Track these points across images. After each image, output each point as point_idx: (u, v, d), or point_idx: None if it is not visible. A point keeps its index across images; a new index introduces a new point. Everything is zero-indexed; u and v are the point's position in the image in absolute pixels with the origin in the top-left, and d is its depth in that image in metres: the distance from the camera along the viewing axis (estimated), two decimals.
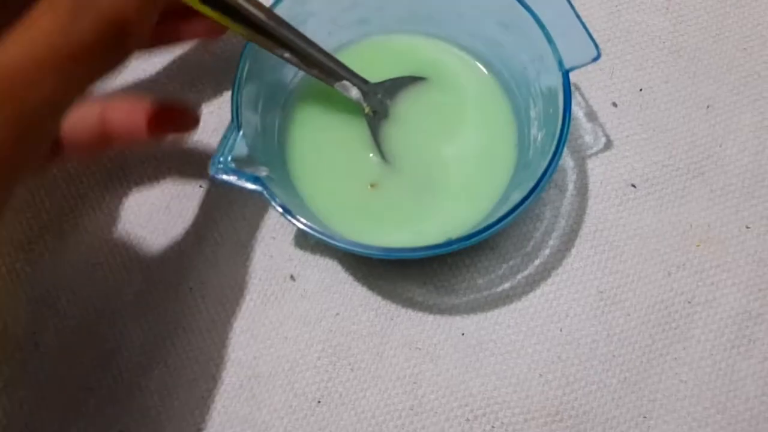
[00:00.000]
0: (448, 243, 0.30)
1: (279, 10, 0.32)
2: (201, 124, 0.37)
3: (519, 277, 0.36)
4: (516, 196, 0.31)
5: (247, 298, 0.37)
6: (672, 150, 0.38)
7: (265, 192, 0.30)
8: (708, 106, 0.38)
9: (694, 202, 0.37)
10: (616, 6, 0.40)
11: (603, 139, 0.38)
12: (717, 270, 0.36)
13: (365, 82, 0.35)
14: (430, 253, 0.30)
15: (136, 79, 0.40)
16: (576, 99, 0.38)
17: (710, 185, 0.37)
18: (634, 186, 0.37)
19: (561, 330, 0.35)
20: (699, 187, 0.37)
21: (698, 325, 0.35)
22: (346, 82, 0.35)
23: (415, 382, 0.35)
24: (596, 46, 0.31)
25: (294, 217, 0.30)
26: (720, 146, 0.37)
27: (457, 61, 0.38)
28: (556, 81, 0.31)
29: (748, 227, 0.36)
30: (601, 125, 0.38)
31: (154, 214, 0.38)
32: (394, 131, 0.36)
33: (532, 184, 0.29)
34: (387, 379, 0.35)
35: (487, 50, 0.37)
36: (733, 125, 0.38)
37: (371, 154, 0.36)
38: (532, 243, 0.36)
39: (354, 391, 0.35)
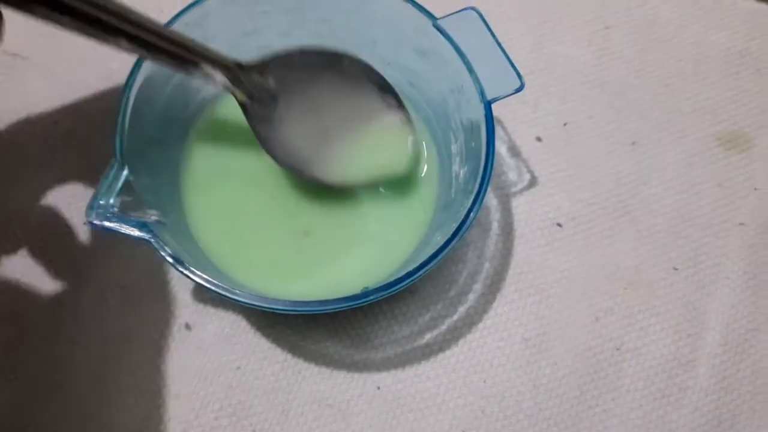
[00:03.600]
0: (365, 294, 0.26)
1: (175, 29, 0.28)
2: (85, 155, 0.33)
3: (440, 324, 0.33)
4: (438, 239, 0.28)
5: (135, 350, 0.32)
6: (598, 188, 0.36)
7: (153, 241, 0.26)
8: (633, 143, 0.37)
9: (620, 243, 0.35)
10: (539, 38, 0.38)
11: (527, 176, 0.36)
12: (645, 314, 0.34)
13: (236, 62, 0.29)
14: (344, 306, 0.26)
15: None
16: (499, 133, 0.36)
17: (637, 225, 0.35)
18: (559, 225, 0.35)
19: (485, 381, 0.33)
20: (626, 227, 0.35)
21: (628, 374, 0.33)
22: (206, 67, 0.28)
23: None
24: (519, 75, 0.29)
25: (186, 268, 0.26)
26: (645, 184, 0.36)
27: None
28: (478, 113, 0.29)
29: (675, 269, 0.35)
30: (524, 161, 0.36)
31: (29, 254, 0.34)
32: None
33: (455, 225, 0.27)
34: None
35: (404, 80, 0.34)
36: (658, 163, 0.36)
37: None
38: (454, 287, 0.34)
39: None
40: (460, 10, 0.30)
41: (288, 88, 0.32)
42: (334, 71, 0.32)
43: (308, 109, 0.32)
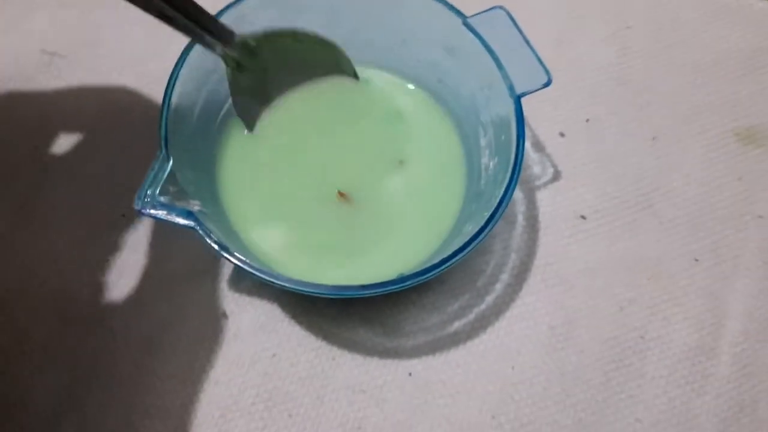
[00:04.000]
0: (402, 279, 0.27)
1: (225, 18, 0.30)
2: (128, 149, 0.34)
3: (469, 313, 0.34)
4: (470, 228, 0.29)
5: (174, 339, 0.33)
6: (620, 181, 0.37)
7: (198, 228, 0.27)
8: (654, 138, 0.38)
9: (643, 235, 0.36)
10: (561, 36, 0.39)
11: (551, 170, 0.37)
12: (668, 304, 0.35)
13: (230, 32, 0.30)
14: (382, 290, 0.27)
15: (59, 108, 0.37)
16: None
17: (659, 218, 0.36)
18: (583, 218, 0.36)
19: (513, 368, 0.33)
20: (648, 220, 0.36)
21: (652, 362, 0.34)
22: (205, 36, 0.29)
23: (359, 428, 0.32)
24: (547, 71, 0.30)
25: (232, 255, 0.27)
26: (666, 178, 0.37)
27: (400, 91, 0.36)
28: (508, 107, 0.30)
29: (696, 260, 0.35)
30: (548, 156, 0.37)
31: (70, 247, 0.35)
32: (338, 164, 0.34)
33: (487, 214, 0.28)
34: (328, 426, 0.32)
35: (433, 77, 0.35)
36: (679, 157, 0.37)
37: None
38: (482, 278, 0.35)
39: None
40: (488, 9, 0.31)
41: (271, 63, 0.33)
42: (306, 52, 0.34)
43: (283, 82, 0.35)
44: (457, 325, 0.34)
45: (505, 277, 0.35)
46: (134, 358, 0.33)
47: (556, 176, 0.37)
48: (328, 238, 0.33)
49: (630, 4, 0.40)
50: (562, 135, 0.37)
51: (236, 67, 0.31)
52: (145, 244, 0.35)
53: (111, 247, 0.35)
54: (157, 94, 0.30)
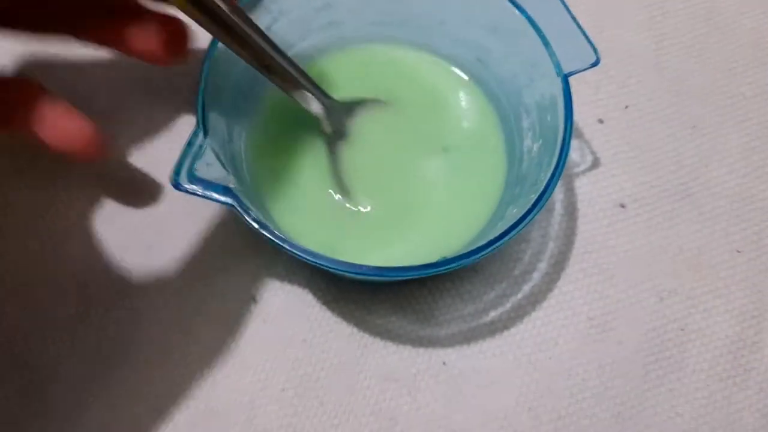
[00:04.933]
0: (445, 261, 0.26)
1: (249, 5, 0.29)
2: (154, 125, 0.33)
3: (505, 302, 0.33)
4: (513, 211, 0.28)
5: (202, 322, 0.32)
6: (660, 170, 0.36)
7: (237, 205, 0.26)
8: (693, 126, 0.37)
9: (683, 225, 0.35)
10: (599, 22, 0.38)
11: (590, 157, 0.36)
12: (709, 296, 0.34)
13: (328, 97, 0.32)
14: (425, 273, 0.26)
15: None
16: None
17: (699, 208, 0.35)
18: (623, 206, 0.35)
19: (550, 359, 0.32)
20: (688, 210, 0.35)
21: (692, 354, 0.33)
22: (307, 95, 0.31)
23: (391, 418, 0.31)
24: (595, 49, 0.29)
25: (272, 233, 0.26)
26: (706, 167, 0.36)
27: (438, 72, 0.35)
28: (554, 87, 0.29)
29: (738, 251, 0.35)
30: (587, 142, 0.36)
31: (95, 225, 0.34)
32: (369, 153, 0.33)
33: (534, 197, 0.27)
34: (360, 414, 0.31)
35: (472, 58, 0.34)
36: (720, 146, 0.36)
37: (332, 184, 0.32)
38: (519, 266, 0.34)
39: (323, 427, 0.31)
40: None
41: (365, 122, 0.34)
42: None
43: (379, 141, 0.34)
44: (492, 314, 0.33)
45: (542, 266, 0.34)
46: (161, 341, 0.32)
47: (595, 163, 0.36)
48: (367, 222, 0.32)
49: None
50: (600, 121, 0.36)
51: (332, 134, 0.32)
52: (174, 226, 0.34)
53: (139, 228, 0.34)
54: (191, 69, 0.29)
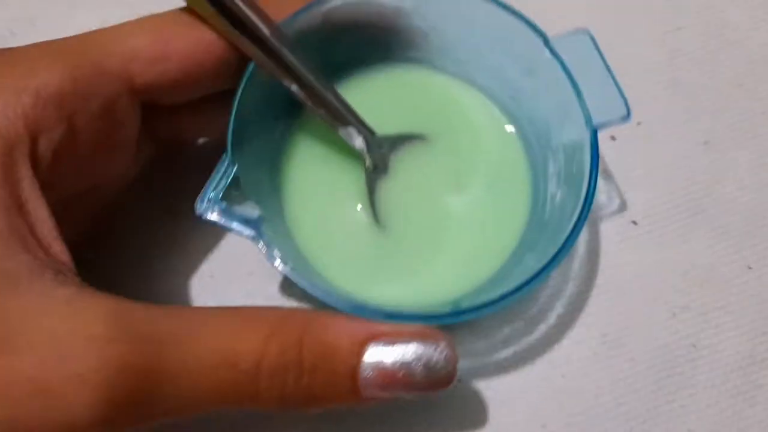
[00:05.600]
0: (457, 312, 0.27)
1: (297, 25, 0.29)
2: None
3: (516, 320, 0.34)
4: (531, 259, 0.29)
5: None
6: (672, 186, 0.36)
7: (260, 241, 0.26)
8: (705, 142, 0.37)
9: (695, 241, 0.35)
10: (611, 38, 0.38)
11: (603, 174, 0.36)
12: (720, 312, 0.34)
13: (372, 133, 0.32)
14: (434, 322, 0.26)
15: None
16: None
17: (711, 224, 0.35)
18: (635, 223, 0.35)
19: (563, 376, 0.33)
20: (700, 226, 0.35)
21: (704, 371, 0.33)
22: (351, 129, 0.31)
23: None
24: (626, 104, 0.29)
25: (291, 270, 0.26)
26: (719, 183, 0.36)
27: (473, 104, 0.34)
28: (582, 138, 0.28)
29: (750, 268, 0.35)
30: (600, 158, 0.36)
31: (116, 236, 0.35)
32: (395, 182, 0.33)
33: (553, 250, 0.26)
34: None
35: (507, 94, 0.34)
36: (731, 162, 0.37)
37: (366, 213, 0.32)
38: None
39: None
40: (573, 32, 0.30)
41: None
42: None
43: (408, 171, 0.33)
44: (507, 330, 0.34)
45: (553, 281, 0.34)
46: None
47: (608, 180, 0.36)
48: (388, 259, 0.32)
49: (681, 5, 0.39)
50: (613, 138, 0.37)
51: (373, 168, 0.32)
52: (192, 243, 0.34)
53: (158, 241, 0.35)
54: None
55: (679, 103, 0.38)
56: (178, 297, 0.34)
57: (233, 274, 0.34)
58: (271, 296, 0.34)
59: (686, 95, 0.38)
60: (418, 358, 0.25)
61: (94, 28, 0.28)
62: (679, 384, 0.33)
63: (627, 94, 0.38)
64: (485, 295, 0.27)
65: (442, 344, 0.25)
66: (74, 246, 0.26)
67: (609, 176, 0.35)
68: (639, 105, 0.37)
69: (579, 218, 0.27)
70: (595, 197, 0.27)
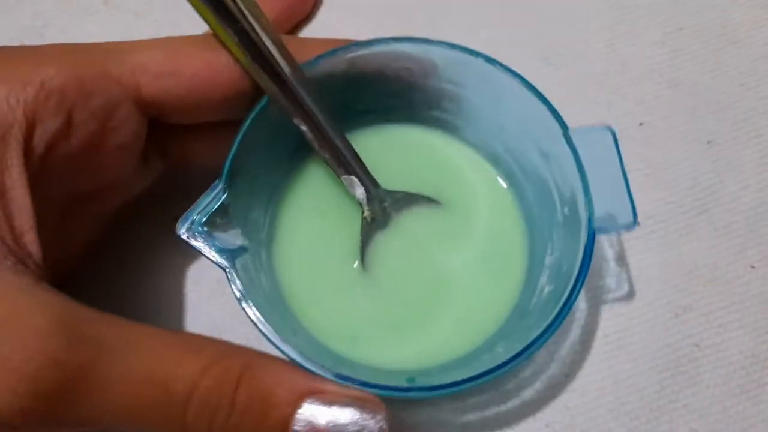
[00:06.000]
0: (408, 389, 0.26)
1: (321, 68, 0.29)
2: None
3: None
4: (501, 347, 0.29)
5: None
6: (675, 186, 0.36)
7: (227, 270, 0.26)
8: (709, 142, 0.37)
9: (698, 241, 0.35)
10: (613, 39, 0.39)
11: (618, 259, 0.36)
12: (724, 311, 0.34)
13: (376, 185, 0.32)
14: (383, 392, 0.26)
15: None
16: None
17: (714, 223, 0.36)
18: (638, 224, 0.35)
19: (566, 376, 0.33)
20: (703, 225, 0.36)
21: (707, 370, 0.34)
22: (354, 178, 0.31)
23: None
24: (635, 214, 0.28)
25: (250, 307, 0.26)
26: (722, 183, 0.36)
27: (484, 177, 0.34)
28: (579, 239, 0.28)
29: (753, 267, 0.35)
30: (617, 241, 0.36)
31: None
32: (392, 237, 0.33)
33: (518, 347, 0.26)
34: None
35: (519, 171, 0.33)
36: (735, 162, 0.37)
37: (356, 262, 0.32)
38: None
39: None
40: (596, 126, 0.29)
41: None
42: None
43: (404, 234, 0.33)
44: None
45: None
46: None
47: (621, 265, 0.36)
48: (367, 307, 0.32)
49: (682, 5, 0.40)
50: None
51: (370, 220, 0.32)
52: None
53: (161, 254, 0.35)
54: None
55: (682, 103, 0.38)
56: (172, 311, 0.34)
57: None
58: None
59: (689, 95, 0.38)
60: (353, 424, 0.25)
61: (103, 41, 0.28)
62: (682, 383, 0.33)
63: (629, 95, 0.38)
64: (441, 376, 0.27)
65: (380, 416, 0.25)
66: (80, 256, 0.26)
67: (624, 262, 0.35)
68: (641, 106, 0.38)
69: (549, 326, 0.26)
70: (573, 307, 0.27)
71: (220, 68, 0.28)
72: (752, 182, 0.36)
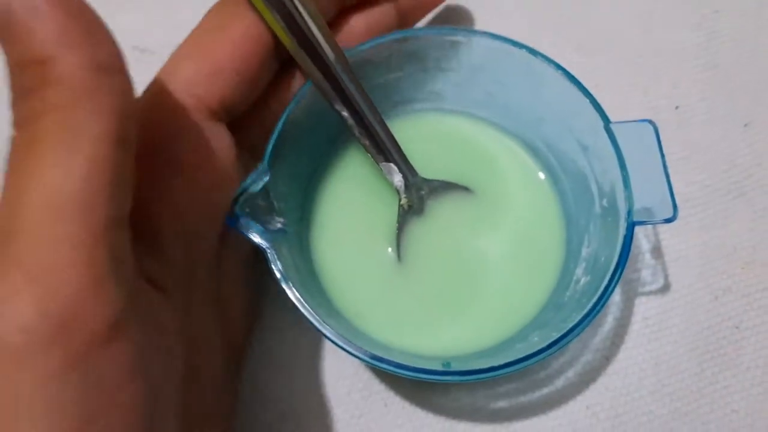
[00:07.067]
0: (445, 372, 0.27)
1: (364, 55, 0.30)
2: None
3: None
4: (536, 336, 0.29)
5: (274, 326, 0.34)
6: (712, 169, 0.36)
7: (268, 251, 0.26)
8: (746, 124, 0.37)
9: (736, 224, 0.35)
10: (648, 22, 0.39)
11: (654, 251, 0.36)
12: (764, 293, 0.34)
13: (414, 173, 0.32)
14: (420, 376, 0.26)
15: None
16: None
17: (752, 206, 0.36)
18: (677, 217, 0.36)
19: (607, 359, 0.33)
20: (741, 208, 0.36)
21: (747, 352, 0.34)
22: (392, 166, 0.32)
23: (454, 417, 0.33)
24: (675, 206, 0.27)
25: (290, 288, 0.26)
26: (759, 165, 0.36)
27: (520, 167, 0.34)
28: (618, 230, 0.28)
29: None
30: (654, 235, 0.36)
31: None
32: (428, 225, 0.33)
33: (554, 336, 0.26)
34: (423, 415, 0.33)
35: (557, 164, 0.33)
36: None
37: (390, 249, 0.33)
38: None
39: (388, 428, 0.33)
40: (637, 120, 0.29)
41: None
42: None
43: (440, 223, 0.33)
44: None
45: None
46: None
47: (657, 257, 0.36)
48: (401, 294, 0.32)
49: None
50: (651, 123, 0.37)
51: (407, 208, 0.33)
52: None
53: None
54: None
55: (719, 85, 0.38)
56: None
57: None
58: None
59: (725, 78, 0.38)
60: None
61: (135, 31, 0.28)
62: (722, 365, 0.33)
63: (665, 79, 0.38)
64: (476, 362, 0.28)
65: None
66: None
67: (660, 254, 0.35)
68: (677, 89, 0.38)
69: (585, 316, 0.27)
70: (611, 297, 0.27)
71: (246, 38, 0.28)
72: None
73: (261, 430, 0.32)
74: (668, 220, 0.28)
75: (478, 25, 0.40)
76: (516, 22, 0.39)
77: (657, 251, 0.35)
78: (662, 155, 0.28)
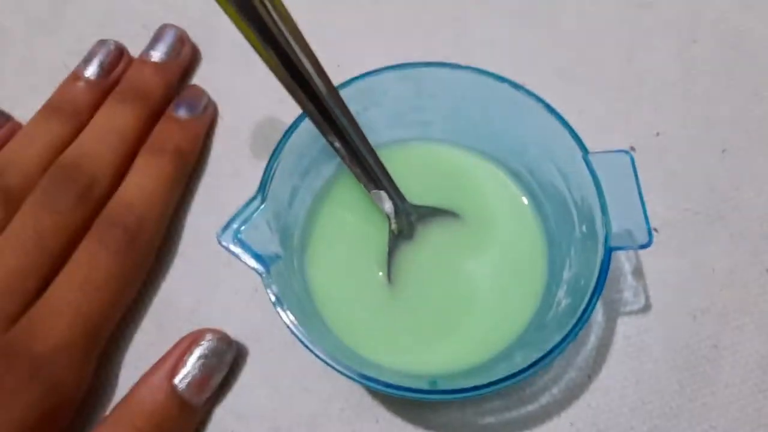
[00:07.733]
0: (431, 391, 0.28)
1: (345, 91, 0.31)
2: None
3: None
4: (519, 356, 0.30)
5: (266, 348, 0.36)
6: (691, 194, 0.38)
7: (263, 276, 0.28)
8: (723, 150, 0.38)
9: (715, 246, 0.37)
10: (629, 52, 0.40)
11: (636, 273, 0.37)
12: (740, 314, 0.36)
13: (403, 200, 0.34)
14: (408, 395, 0.27)
15: None
16: None
17: (730, 229, 0.37)
18: (655, 230, 0.37)
19: (589, 377, 0.35)
20: (719, 231, 0.37)
21: (725, 370, 0.35)
22: (382, 193, 0.33)
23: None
24: (650, 233, 0.29)
25: (284, 311, 0.28)
26: (737, 190, 0.38)
27: (504, 193, 0.36)
28: (596, 256, 0.29)
29: None
30: (635, 255, 0.37)
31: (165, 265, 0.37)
32: (417, 250, 0.35)
33: (536, 356, 0.28)
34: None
35: (540, 191, 0.35)
36: (749, 170, 0.38)
37: (381, 273, 0.34)
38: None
39: None
40: (615, 151, 0.30)
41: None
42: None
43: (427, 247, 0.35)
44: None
45: None
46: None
47: (639, 278, 0.37)
48: (392, 316, 0.34)
49: (696, 18, 0.41)
50: (632, 149, 0.38)
51: (397, 233, 0.34)
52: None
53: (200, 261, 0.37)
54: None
55: (698, 112, 0.39)
56: (215, 317, 0.37)
57: None
58: None
59: (704, 106, 0.40)
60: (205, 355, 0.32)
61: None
62: (701, 383, 0.35)
63: (646, 106, 0.40)
64: (461, 381, 0.29)
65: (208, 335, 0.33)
66: None
67: (642, 276, 0.36)
68: (657, 117, 0.39)
69: (565, 337, 0.28)
70: (589, 319, 0.28)
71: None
72: (766, 189, 0.38)
73: None
74: (644, 246, 0.29)
75: (464, 53, 0.41)
76: (500, 51, 0.41)
77: (638, 272, 0.37)
78: (638, 184, 0.29)
